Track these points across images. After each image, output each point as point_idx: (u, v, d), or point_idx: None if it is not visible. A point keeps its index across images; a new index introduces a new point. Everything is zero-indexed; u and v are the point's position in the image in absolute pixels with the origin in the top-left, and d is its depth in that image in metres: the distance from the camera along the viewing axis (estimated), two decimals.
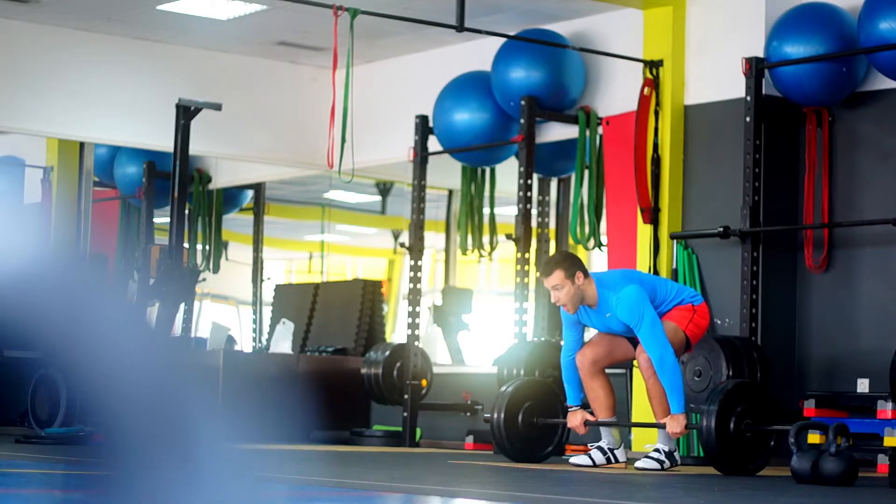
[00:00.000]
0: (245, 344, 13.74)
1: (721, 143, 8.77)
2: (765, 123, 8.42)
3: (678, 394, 6.84)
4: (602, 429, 7.22)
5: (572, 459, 7.27)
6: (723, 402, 6.94)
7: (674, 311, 7.03)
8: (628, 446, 8.84)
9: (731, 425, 7.00)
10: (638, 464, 7.04)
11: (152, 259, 8.98)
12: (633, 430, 8.85)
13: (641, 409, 8.66)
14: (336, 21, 8.25)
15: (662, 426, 7.00)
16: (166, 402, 1.70)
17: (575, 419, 7.22)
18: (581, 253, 14.04)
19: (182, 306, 9.25)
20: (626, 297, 6.86)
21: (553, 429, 7.84)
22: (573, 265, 6.96)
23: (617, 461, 7.19)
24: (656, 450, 7.06)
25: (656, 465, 6.99)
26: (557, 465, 7.32)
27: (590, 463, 7.13)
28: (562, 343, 7.39)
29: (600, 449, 7.18)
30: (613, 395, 7.27)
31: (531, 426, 7.75)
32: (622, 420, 8.59)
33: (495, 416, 7.74)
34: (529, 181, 9.45)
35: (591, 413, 7.24)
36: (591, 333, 7.49)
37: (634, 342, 7.12)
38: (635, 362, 8.36)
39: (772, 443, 7.08)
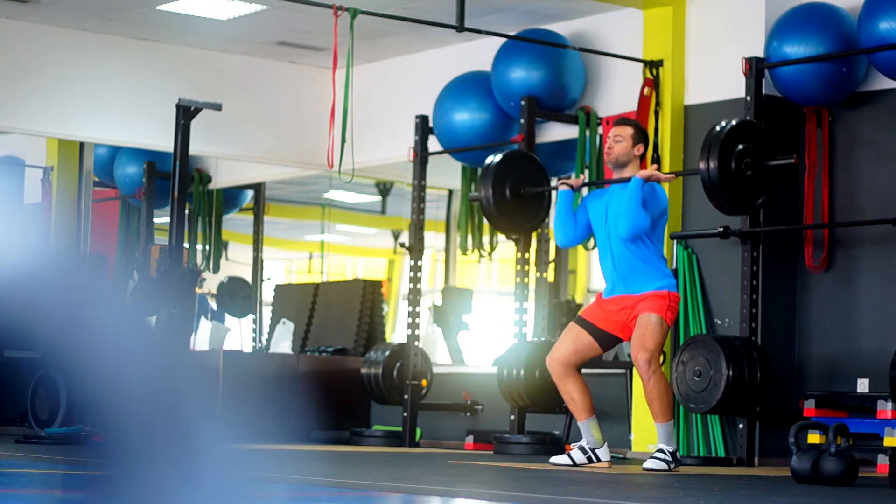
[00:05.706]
0: (245, 344, 13.75)
1: None
2: (765, 123, 8.42)
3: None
4: (583, 429, 7.12)
5: (552, 459, 7.18)
6: (723, 143, 7.03)
7: (650, 298, 6.98)
8: (629, 447, 8.84)
9: (732, 164, 7.10)
10: (645, 465, 6.99)
11: (152, 259, 8.97)
12: (634, 430, 8.84)
13: (641, 409, 8.66)
14: (336, 21, 8.26)
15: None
16: (166, 401, 1.70)
17: (568, 181, 7.41)
18: (581, 253, 14.10)
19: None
20: (660, 187, 7.10)
21: (541, 198, 7.86)
22: (643, 139, 7.25)
23: (599, 460, 7.10)
24: (660, 450, 7.00)
25: (663, 466, 6.93)
26: (557, 466, 7.30)
27: (570, 462, 7.07)
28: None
29: (581, 448, 7.11)
30: (589, 395, 7.10)
31: (519, 197, 7.76)
32: (618, 421, 8.59)
33: (483, 192, 7.76)
34: None
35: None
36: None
37: (602, 339, 7.10)
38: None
39: (770, 180, 7.27)
